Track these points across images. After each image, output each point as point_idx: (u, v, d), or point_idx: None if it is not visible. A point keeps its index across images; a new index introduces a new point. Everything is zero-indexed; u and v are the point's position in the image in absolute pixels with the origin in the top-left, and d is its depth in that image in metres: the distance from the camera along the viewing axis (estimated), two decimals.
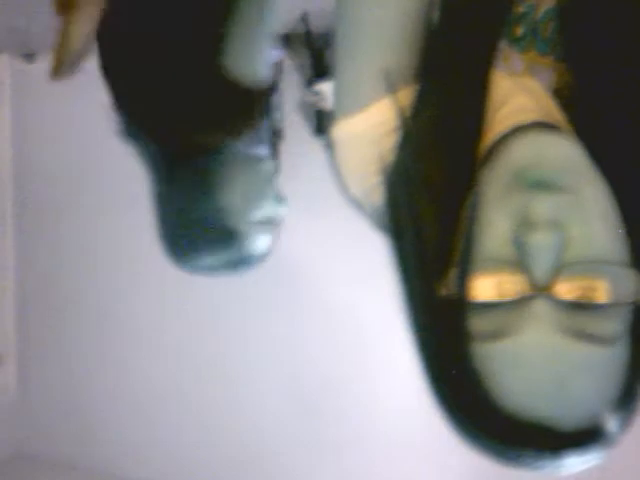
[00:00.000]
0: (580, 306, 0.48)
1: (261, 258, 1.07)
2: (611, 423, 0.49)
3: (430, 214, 0.55)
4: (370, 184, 0.60)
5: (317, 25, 1.73)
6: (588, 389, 0.48)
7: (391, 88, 0.59)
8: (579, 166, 0.51)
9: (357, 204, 0.65)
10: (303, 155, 1.95)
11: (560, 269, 0.48)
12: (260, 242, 1.04)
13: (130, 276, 2.18)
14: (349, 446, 2.09)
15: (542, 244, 0.48)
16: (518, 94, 0.58)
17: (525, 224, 0.49)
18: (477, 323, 0.50)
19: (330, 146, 0.64)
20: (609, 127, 0.55)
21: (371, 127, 0.60)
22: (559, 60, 0.60)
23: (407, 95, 0.58)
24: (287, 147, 1.95)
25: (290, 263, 2.11)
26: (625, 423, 0.50)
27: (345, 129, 0.62)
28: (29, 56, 2.16)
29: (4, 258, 2.42)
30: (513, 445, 0.49)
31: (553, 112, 0.58)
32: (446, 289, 0.52)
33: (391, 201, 0.58)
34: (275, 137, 1.92)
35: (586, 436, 0.48)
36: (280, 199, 1.05)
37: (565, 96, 0.59)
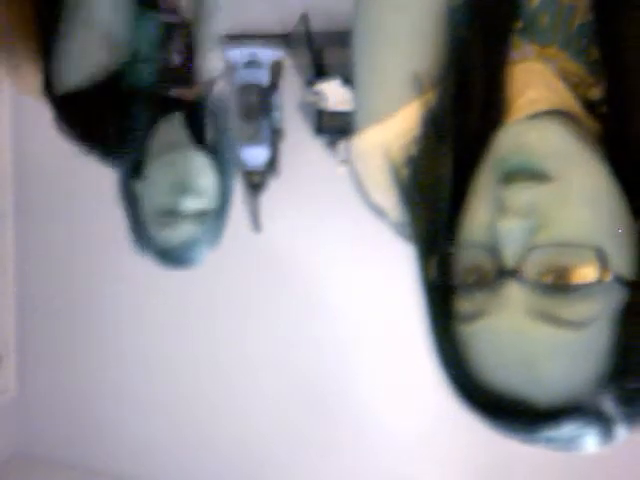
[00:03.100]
0: (553, 289, 0.49)
1: (204, 250, 1.08)
2: (603, 403, 0.50)
3: (439, 203, 0.56)
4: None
5: (317, 25, 1.74)
6: (558, 370, 0.49)
7: (418, 92, 0.59)
8: (564, 151, 0.52)
9: (380, 212, 0.65)
10: (303, 155, 1.95)
11: (530, 251, 0.49)
12: (196, 233, 1.05)
13: (130, 276, 2.18)
14: (350, 445, 2.09)
15: (510, 228, 0.49)
16: (532, 84, 0.58)
17: (500, 210, 0.50)
18: (461, 305, 0.52)
19: (348, 155, 0.64)
20: (628, 113, 0.55)
21: (398, 135, 0.60)
22: (562, 50, 0.60)
23: (432, 99, 0.58)
24: (287, 147, 1.95)
25: (290, 262, 2.11)
26: (631, 404, 0.51)
27: (370, 138, 0.61)
28: None
29: (4, 258, 2.42)
30: (499, 417, 0.52)
31: (568, 99, 0.58)
32: (434, 272, 0.54)
33: (405, 192, 0.59)
34: (275, 137, 1.93)
35: (561, 412, 0.49)
36: (224, 192, 1.07)
37: (573, 84, 0.59)
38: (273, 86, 1.89)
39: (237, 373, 2.20)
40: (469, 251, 0.52)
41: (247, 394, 2.19)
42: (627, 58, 0.55)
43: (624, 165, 0.54)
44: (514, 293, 0.49)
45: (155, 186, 1.03)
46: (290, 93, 1.89)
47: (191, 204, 1.02)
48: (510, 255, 0.50)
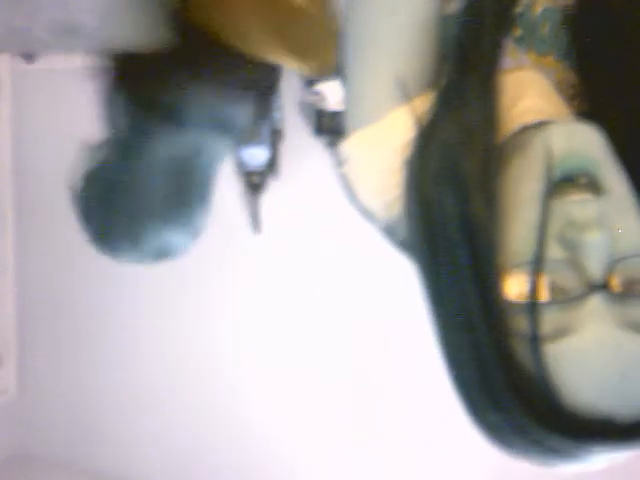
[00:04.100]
0: (634, 298, 0.49)
1: (184, 243, 1.06)
2: None
3: (481, 213, 0.53)
4: (391, 197, 0.60)
5: None
6: None
7: (407, 96, 0.58)
8: (605, 155, 0.52)
9: (369, 216, 0.65)
10: (303, 155, 1.95)
11: (613, 264, 0.49)
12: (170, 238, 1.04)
13: (130, 276, 2.18)
14: (352, 447, 2.09)
15: (594, 242, 0.48)
16: (527, 94, 0.58)
17: (571, 224, 0.49)
18: (542, 324, 0.50)
19: (339, 159, 0.64)
20: (615, 124, 0.55)
21: (388, 137, 0.60)
22: (559, 60, 0.60)
23: (422, 102, 0.58)
24: (287, 147, 1.95)
25: (290, 262, 2.11)
26: None
27: (360, 141, 0.61)
28: (29, 56, 2.16)
29: (4, 258, 2.42)
30: (581, 441, 0.49)
31: (561, 110, 0.58)
32: (505, 291, 0.51)
33: (426, 206, 0.55)
34: (275, 137, 1.92)
35: None
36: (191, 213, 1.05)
37: (569, 95, 0.59)
38: (273, 86, 1.88)
39: (238, 373, 2.20)
40: (539, 267, 0.49)
41: (248, 394, 2.19)
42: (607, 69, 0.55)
43: None
44: (602, 306, 0.48)
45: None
46: (290, 93, 1.89)
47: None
48: (595, 268, 0.49)
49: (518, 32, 0.60)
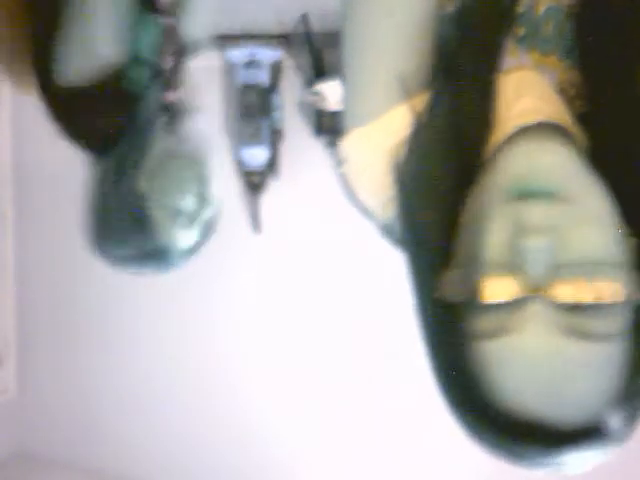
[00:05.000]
0: (577, 306, 0.48)
1: (183, 255, 1.07)
2: (614, 421, 0.49)
3: (433, 216, 0.56)
4: (387, 196, 0.60)
5: (317, 25, 1.73)
6: (586, 387, 0.48)
7: (405, 94, 0.59)
8: (573, 173, 0.52)
9: (368, 214, 0.65)
10: (303, 155, 1.95)
11: (555, 271, 0.49)
12: (179, 236, 1.04)
13: (130, 276, 2.18)
14: (352, 447, 2.09)
15: (535, 247, 0.49)
16: (526, 94, 0.58)
17: (520, 230, 0.50)
18: (478, 323, 0.51)
19: (338, 157, 0.64)
20: (617, 126, 0.55)
21: (385, 136, 0.60)
22: (562, 59, 0.60)
23: (419, 101, 0.58)
24: (287, 147, 1.95)
25: (290, 262, 2.11)
26: (631, 421, 0.51)
27: (357, 139, 0.62)
28: None
29: (4, 258, 2.42)
30: (514, 442, 0.50)
31: (560, 110, 0.58)
32: (446, 290, 0.53)
33: (401, 205, 0.58)
34: (275, 137, 1.92)
35: (586, 434, 0.48)
36: (205, 200, 1.06)
37: (570, 95, 0.59)
38: (273, 86, 1.89)
39: (238, 373, 2.20)
40: (488, 269, 0.51)
41: (248, 394, 2.19)
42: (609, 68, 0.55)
43: (610, 181, 0.54)
44: (541, 310, 0.48)
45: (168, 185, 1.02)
46: (290, 93, 1.89)
47: (194, 205, 1.03)
48: (535, 273, 0.49)
49: (521, 31, 0.60)
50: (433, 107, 0.58)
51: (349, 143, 0.63)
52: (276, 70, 1.89)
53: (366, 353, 2.04)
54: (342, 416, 2.08)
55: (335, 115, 1.74)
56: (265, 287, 2.14)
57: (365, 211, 0.65)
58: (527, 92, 0.58)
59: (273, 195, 1.96)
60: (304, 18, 1.73)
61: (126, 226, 1.04)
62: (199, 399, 2.23)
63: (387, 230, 0.63)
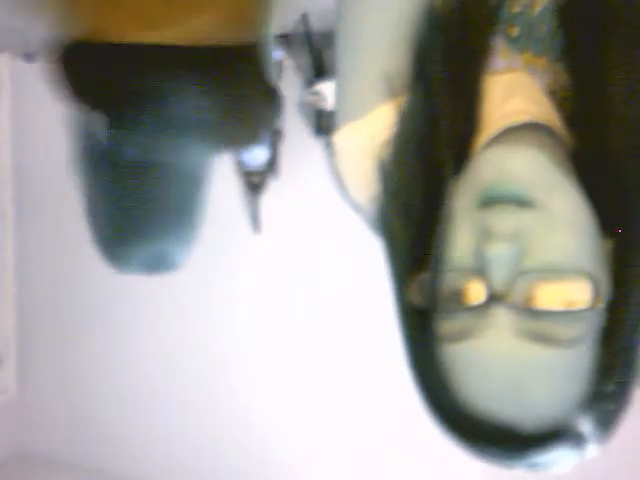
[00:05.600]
0: (541, 312, 0.49)
1: (183, 253, 1.06)
2: (583, 424, 0.50)
3: (405, 220, 0.57)
4: (374, 191, 0.60)
5: (317, 25, 1.73)
6: (547, 391, 0.49)
7: (392, 93, 0.59)
8: (544, 177, 0.52)
9: (358, 209, 0.66)
10: (303, 155, 1.95)
11: (517, 277, 0.49)
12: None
13: (130, 276, 2.18)
14: (352, 447, 2.09)
15: (497, 253, 0.49)
16: (514, 95, 0.58)
17: (485, 236, 0.50)
18: (444, 326, 0.52)
19: (331, 151, 0.64)
20: (604, 127, 0.55)
21: (373, 133, 0.60)
22: (553, 61, 0.60)
23: (404, 100, 0.59)
24: (287, 147, 1.95)
25: (290, 262, 2.11)
26: (605, 424, 0.51)
27: (347, 135, 0.62)
28: (29, 56, 2.15)
29: (4, 258, 2.42)
30: (480, 444, 0.51)
31: (548, 112, 0.58)
32: (415, 294, 0.54)
33: (379, 207, 0.59)
34: (275, 137, 1.92)
35: (551, 437, 0.49)
36: (189, 226, 1.04)
37: (559, 97, 0.59)
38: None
39: (239, 373, 2.20)
40: (453, 274, 0.51)
41: (249, 394, 2.19)
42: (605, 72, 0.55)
43: (595, 182, 0.54)
44: (501, 315, 0.49)
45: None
46: (290, 93, 1.89)
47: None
48: (498, 279, 0.49)
49: (515, 32, 0.60)
50: (408, 109, 0.58)
51: (339, 139, 0.63)
52: (276, 70, 1.89)
53: (366, 353, 2.05)
54: (342, 416, 2.09)
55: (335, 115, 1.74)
56: (265, 287, 2.14)
57: (356, 207, 0.66)
58: (516, 93, 0.58)
59: (273, 195, 1.96)
60: (304, 18, 1.73)
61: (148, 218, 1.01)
62: (199, 399, 2.23)
63: (375, 226, 0.64)
